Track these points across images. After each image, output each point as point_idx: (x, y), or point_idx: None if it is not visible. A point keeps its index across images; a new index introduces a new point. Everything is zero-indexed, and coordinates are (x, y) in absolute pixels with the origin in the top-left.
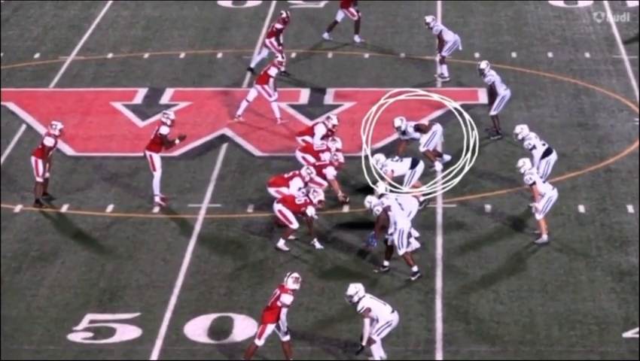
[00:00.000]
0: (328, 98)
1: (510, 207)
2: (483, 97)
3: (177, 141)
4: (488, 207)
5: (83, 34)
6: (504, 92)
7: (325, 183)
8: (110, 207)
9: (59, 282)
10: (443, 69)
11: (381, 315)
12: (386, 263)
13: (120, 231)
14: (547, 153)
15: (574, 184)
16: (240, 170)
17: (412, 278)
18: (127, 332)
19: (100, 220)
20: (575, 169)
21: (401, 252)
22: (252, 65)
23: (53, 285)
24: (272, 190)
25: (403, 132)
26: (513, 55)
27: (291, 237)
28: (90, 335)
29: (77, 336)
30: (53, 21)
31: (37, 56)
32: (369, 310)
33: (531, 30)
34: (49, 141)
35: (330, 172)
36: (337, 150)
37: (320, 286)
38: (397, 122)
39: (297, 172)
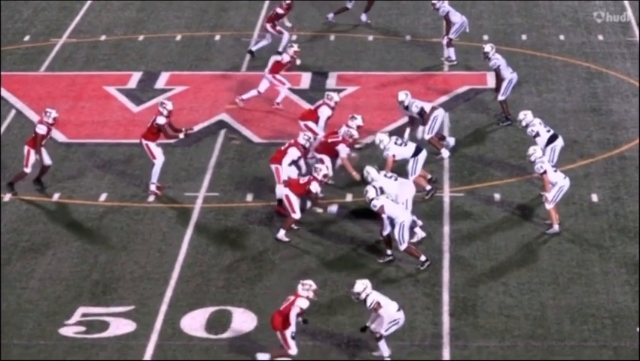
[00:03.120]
0: (331, 83)
1: (520, 196)
2: (491, 81)
3: (181, 136)
4: (497, 196)
5: (75, 15)
6: (510, 75)
7: (327, 161)
8: (103, 196)
9: (50, 274)
10: (450, 52)
11: (388, 312)
12: (389, 252)
13: (113, 221)
14: (552, 140)
15: (586, 172)
16: (239, 157)
17: (422, 268)
18: (121, 326)
19: (93, 210)
20: (588, 156)
21: (402, 247)
22: (253, 49)
23: (44, 277)
24: (273, 167)
25: (406, 107)
26: (524, 37)
27: (293, 227)
28: (83, 329)
29: (69, 330)
30: (44, 2)
31: (27, 38)
32: (379, 303)
33: (542, 11)
34: (41, 129)
35: (344, 150)
36: (358, 127)
37: (322, 278)
38: (402, 95)
39: (293, 140)
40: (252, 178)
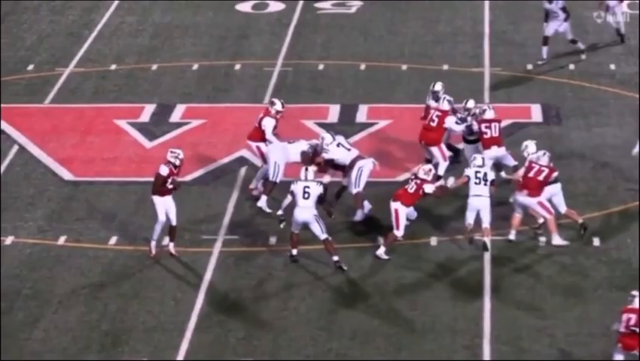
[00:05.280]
0: (361, 116)
1: (567, 239)
2: (536, 114)
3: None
4: (542, 238)
5: (83, 42)
6: None
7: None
8: (113, 240)
9: (56, 324)
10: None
11: None
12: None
13: (124, 266)
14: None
15: None
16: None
17: None
18: None
19: (102, 254)
20: None
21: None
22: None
23: (49, 327)
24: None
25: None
26: (571, 67)
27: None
28: None
29: None
30: (49, 28)
31: (31, 67)
32: None
33: (592, 39)
34: (164, 170)
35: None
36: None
37: (351, 328)
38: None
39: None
40: (275, 220)
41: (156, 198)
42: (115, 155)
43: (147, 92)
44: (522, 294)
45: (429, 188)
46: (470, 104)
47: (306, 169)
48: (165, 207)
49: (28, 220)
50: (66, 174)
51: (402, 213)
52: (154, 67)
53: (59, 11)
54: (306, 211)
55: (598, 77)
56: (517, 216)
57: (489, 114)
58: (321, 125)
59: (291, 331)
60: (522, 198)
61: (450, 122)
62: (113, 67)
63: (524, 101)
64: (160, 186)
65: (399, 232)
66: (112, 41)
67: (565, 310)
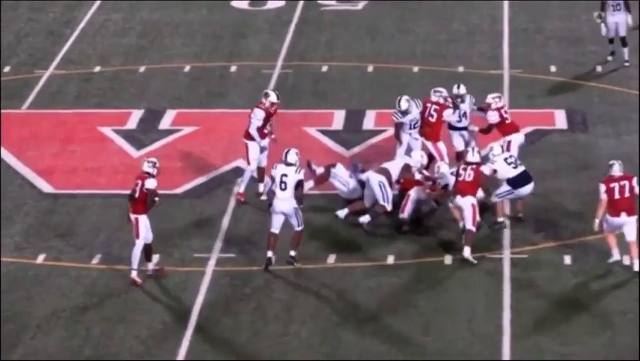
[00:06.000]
0: (368, 122)
1: (596, 258)
2: (561, 120)
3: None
4: (567, 258)
5: (65, 42)
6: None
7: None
8: (96, 258)
9: (35, 349)
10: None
11: None
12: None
13: (108, 287)
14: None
15: None
16: (258, 210)
17: None
18: None
19: (85, 274)
20: None
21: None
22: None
23: (27, 353)
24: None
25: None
26: (599, 69)
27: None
28: None
29: None
30: (28, 26)
31: (7, 69)
32: None
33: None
34: (153, 184)
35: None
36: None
37: (358, 354)
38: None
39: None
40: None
41: (142, 218)
42: (99, 165)
43: (134, 97)
44: (544, 317)
45: (487, 169)
46: (462, 89)
47: (288, 151)
48: (146, 226)
49: (4, 237)
50: (45, 186)
51: (470, 206)
52: (142, 69)
53: (39, 8)
54: (285, 203)
55: (628, 81)
56: (612, 237)
57: (502, 102)
58: (324, 132)
59: (291, 357)
60: (622, 220)
61: (448, 115)
62: (97, 69)
63: (547, 106)
64: (151, 203)
65: (474, 227)
66: (96, 41)
67: (591, 336)
